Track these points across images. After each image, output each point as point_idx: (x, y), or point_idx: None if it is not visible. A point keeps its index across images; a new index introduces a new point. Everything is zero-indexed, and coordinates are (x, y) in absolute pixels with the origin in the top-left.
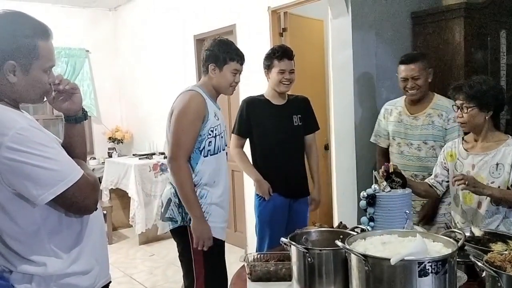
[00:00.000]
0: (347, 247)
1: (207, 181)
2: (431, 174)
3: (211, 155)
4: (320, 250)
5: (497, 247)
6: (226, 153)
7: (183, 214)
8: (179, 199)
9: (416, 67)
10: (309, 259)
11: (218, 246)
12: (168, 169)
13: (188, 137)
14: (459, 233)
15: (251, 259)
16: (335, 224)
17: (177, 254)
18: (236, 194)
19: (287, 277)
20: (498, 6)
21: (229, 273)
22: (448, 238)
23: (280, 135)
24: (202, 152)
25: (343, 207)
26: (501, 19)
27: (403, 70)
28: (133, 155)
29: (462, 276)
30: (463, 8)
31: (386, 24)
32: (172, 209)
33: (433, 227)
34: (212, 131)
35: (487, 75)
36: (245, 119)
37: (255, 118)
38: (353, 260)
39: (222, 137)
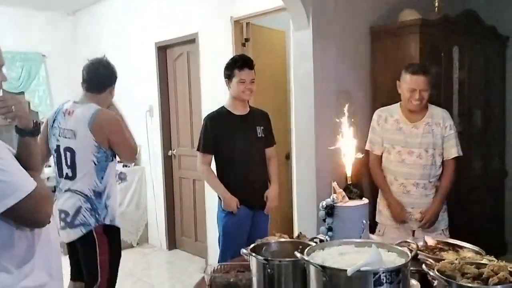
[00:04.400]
0: (306, 258)
1: (111, 182)
2: (431, 182)
3: (110, 161)
4: (280, 261)
5: (449, 255)
6: None
7: (96, 216)
8: (90, 204)
9: (426, 79)
10: (268, 270)
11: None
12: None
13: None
14: (413, 243)
15: (212, 270)
16: (295, 234)
17: None
18: (197, 203)
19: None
20: (451, 23)
21: (190, 283)
22: (402, 248)
23: (245, 146)
24: (108, 158)
25: (303, 217)
26: (454, 36)
27: (412, 80)
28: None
29: (415, 285)
30: (418, 25)
31: (346, 38)
32: (83, 215)
33: (429, 233)
34: None
35: (441, 90)
36: (210, 136)
37: (219, 133)
38: (312, 271)
39: None
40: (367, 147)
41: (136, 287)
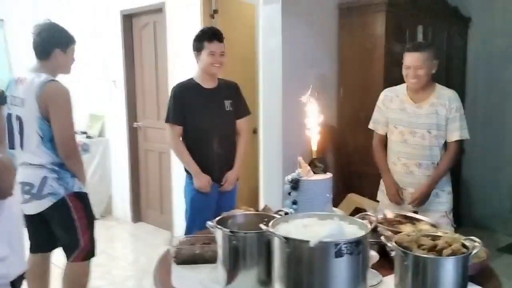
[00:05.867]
0: (270, 230)
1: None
2: (434, 163)
3: None
4: (245, 233)
5: (406, 228)
6: None
7: (65, 185)
8: (57, 173)
9: (420, 56)
10: (234, 242)
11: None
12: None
13: None
14: (373, 216)
15: (177, 243)
16: (261, 207)
17: None
18: (163, 176)
19: (213, 260)
20: (416, 2)
21: (155, 255)
22: (363, 221)
23: (212, 120)
24: None
25: (269, 190)
26: (418, 15)
27: (407, 58)
28: None
29: (374, 256)
30: (385, 3)
31: (315, 14)
32: (50, 185)
33: (433, 214)
34: None
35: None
36: (179, 106)
37: (187, 104)
38: (276, 243)
39: None
40: (370, 126)
41: (100, 259)
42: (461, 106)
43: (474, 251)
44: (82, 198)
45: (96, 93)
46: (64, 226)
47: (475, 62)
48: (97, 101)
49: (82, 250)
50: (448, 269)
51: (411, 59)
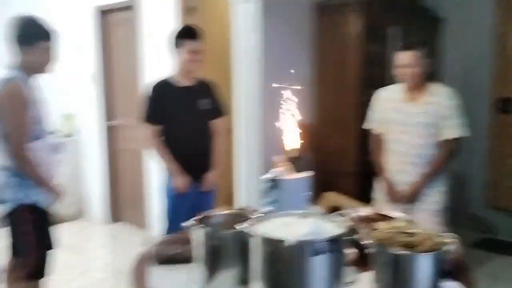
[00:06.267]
0: (249, 229)
1: None
2: (427, 162)
3: None
4: (224, 232)
5: (382, 225)
6: None
7: (24, 193)
8: (19, 178)
9: (412, 55)
10: (213, 241)
11: (43, 214)
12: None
13: None
14: (350, 214)
15: (155, 243)
16: (239, 206)
17: None
18: (140, 175)
19: (191, 260)
20: (392, 3)
21: (132, 256)
22: (340, 219)
23: (188, 118)
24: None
25: (247, 190)
26: (394, 15)
27: (399, 57)
28: None
29: (351, 253)
30: (360, 3)
31: (292, 13)
32: (10, 191)
33: (422, 213)
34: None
35: (381, 66)
36: (155, 105)
37: (164, 103)
38: (254, 242)
39: None
40: (366, 126)
41: (74, 261)
42: (458, 104)
43: (449, 247)
44: (34, 211)
45: (69, 91)
46: (13, 237)
47: (447, 62)
48: (70, 99)
49: (24, 267)
50: (424, 265)
51: (404, 58)
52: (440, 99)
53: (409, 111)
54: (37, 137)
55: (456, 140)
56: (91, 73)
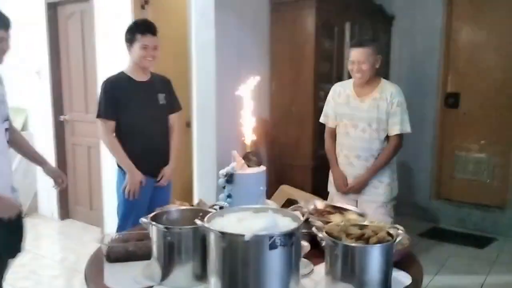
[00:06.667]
0: (205, 225)
1: None
2: (373, 156)
3: None
4: (180, 228)
5: (335, 218)
6: (7, 129)
7: None
8: None
9: (363, 51)
10: (169, 238)
11: None
12: None
13: None
14: (304, 207)
15: (109, 240)
16: (195, 201)
17: None
18: (92, 171)
19: (147, 257)
20: (345, 0)
21: (84, 253)
22: (295, 213)
23: (146, 113)
24: None
25: (203, 184)
26: (346, 12)
27: (351, 53)
28: None
29: (306, 246)
30: (315, 0)
31: (247, 8)
32: None
33: (370, 204)
34: None
35: (337, 61)
36: (109, 100)
37: (119, 98)
38: (211, 237)
39: None
40: (321, 120)
41: (25, 259)
42: (403, 101)
43: (398, 239)
44: None
45: (18, 85)
46: None
47: (398, 58)
48: (19, 93)
49: None
50: (375, 256)
51: (355, 54)
52: (387, 95)
53: (357, 106)
54: None
55: (399, 136)
56: (41, 66)
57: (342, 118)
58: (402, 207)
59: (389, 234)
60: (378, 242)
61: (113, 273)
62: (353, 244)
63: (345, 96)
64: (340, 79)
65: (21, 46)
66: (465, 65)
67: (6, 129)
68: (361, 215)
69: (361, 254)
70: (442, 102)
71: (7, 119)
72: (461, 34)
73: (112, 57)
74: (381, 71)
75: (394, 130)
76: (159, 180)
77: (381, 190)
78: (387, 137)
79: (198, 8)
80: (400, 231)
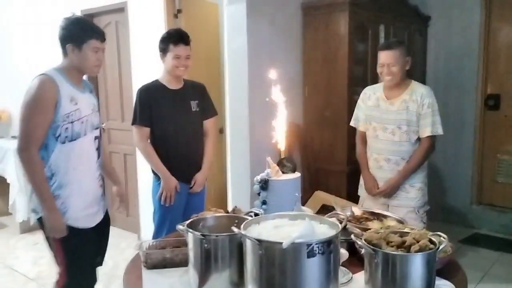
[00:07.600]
0: (242, 232)
1: (66, 169)
2: (404, 159)
3: (69, 141)
4: (216, 236)
5: (374, 225)
6: (97, 137)
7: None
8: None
9: (392, 54)
10: (205, 245)
11: (78, 235)
12: (18, 160)
13: (35, 125)
14: (342, 214)
15: (146, 247)
16: (230, 208)
17: None
18: (128, 178)
19: (184, 263)
20: (378, 2)
21: (122, 259)
22: (332, 220)
23: (179, 120)
24: (59, 139)
25: (237, 190)
26: (380, 14)
27: (381, 56)
28: (12, 137)
29: (344, 253)
30: (348, 3)
31: (279, 14)
32: (34, 200)
33: (401, 209)
34: (67, 117)
35: (367, 66)
36: (144, 107)
37: (153, 105)
38: (248, 245)
39: (82, 122)
40: (352, 123)
41: None
42: (434, 102)
43: (441, 247)
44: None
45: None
46: (49, 246)
47: (435, 59)
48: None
49: (57, 282)
50: (417, 265)
51: (384, 57)
52: (417, 97)
53: (386, 108)
54: (70, 139)
55: (431, 138)
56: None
57: (371, 121)
58: (439, 212)
59: (431, 241)
60: (420, 250)
61: (151, 279)
62: (394, 253)
63: (375, 99)
64: (375, 82)
65: (59, 56)
66: (506, 66)
67: (96, 137)
68: (401, 221)
69: (403, 263)
70: (482, 104)
71: (97, 127)
72: (500, 33)
73: (147, 65)
74: (417, 73)
75: (425, 132)
76: (192, 187)
77: (412, 194)
78: (419, 140)
79: (230, 15)
80: (442, 239)
